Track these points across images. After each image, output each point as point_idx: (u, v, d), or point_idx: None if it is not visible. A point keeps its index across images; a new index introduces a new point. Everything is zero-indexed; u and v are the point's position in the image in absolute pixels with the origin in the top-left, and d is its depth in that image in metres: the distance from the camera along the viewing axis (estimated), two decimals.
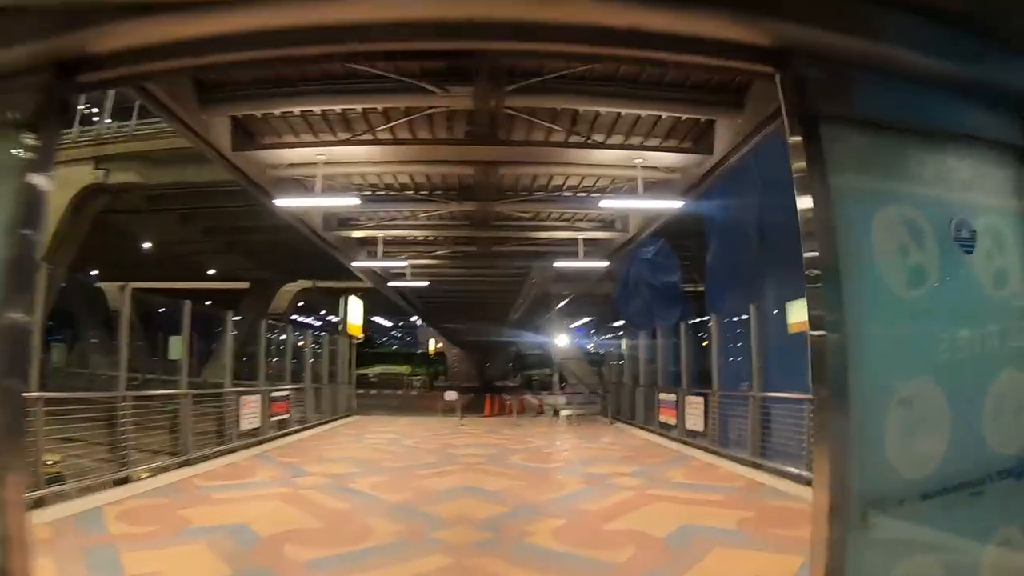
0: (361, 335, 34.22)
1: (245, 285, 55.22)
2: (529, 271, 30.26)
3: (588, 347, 55.78)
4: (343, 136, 15.53)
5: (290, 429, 21.93)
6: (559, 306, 34.61)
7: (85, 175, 29.76)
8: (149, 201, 34.16)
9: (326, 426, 25.06)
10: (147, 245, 42.46)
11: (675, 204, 16.93)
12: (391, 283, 32.98)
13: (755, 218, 19.67)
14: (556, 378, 36.00)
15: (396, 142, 15.81)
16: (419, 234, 24.67)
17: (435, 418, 29.37)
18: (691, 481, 13.96)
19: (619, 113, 14.65)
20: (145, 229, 39.59)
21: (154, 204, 34.34)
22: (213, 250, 44.74)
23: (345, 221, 23.17)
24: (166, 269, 49.63)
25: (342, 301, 32.27)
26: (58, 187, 28.59)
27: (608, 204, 16.90)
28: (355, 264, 25.60)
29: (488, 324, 58.44)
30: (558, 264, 24.41)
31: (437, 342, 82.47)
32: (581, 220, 23.40)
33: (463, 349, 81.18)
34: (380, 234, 23.77)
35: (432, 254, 28.45)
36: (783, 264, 16.55)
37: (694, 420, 19.19)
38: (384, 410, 34.78)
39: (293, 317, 66.33)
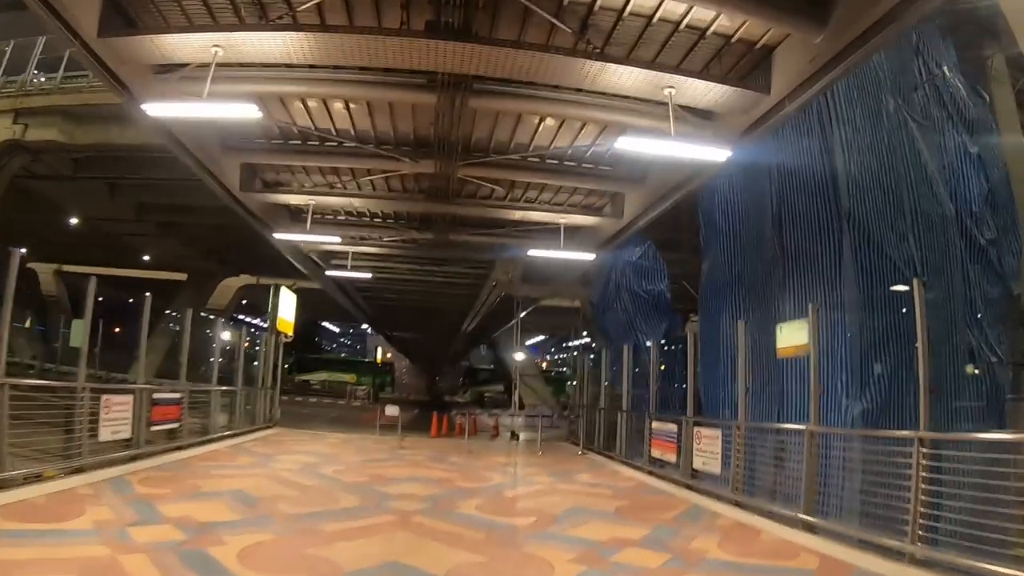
0: (291, 333, 28.32)
1: (182, 276, 49.78)
2: (492, 267, 25.53)
3: (550, 364, 50.35)
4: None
5: (183, 442, 16.35)
6: (521, 314, 29.04)
7: (2, 131, 26.70)
8: (74, 166, 30.46)
9: (234, 440, 19.40)
10: (74, 221, 38.07)
11: (719, 154, 11.49)
12: (330, 272, 27.71)
13: (770, 215, 15.52)
14: (515, 397, 30.10)
15: (323, 28, 10.75)
16: (360, 203, 19.60)
17: (373, 436, 23.73)
18: (739, 559, 8.85)
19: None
20: (70, 200, 35.45)
21: (79, 169, 30.54)
22: (146, 232, 40.03)
23: (273, 184, 18.62)
24: (96, 250, 45.24)
25: (271, 292, 26.69)
26: None
27: (627, 145, 11.13)
28: (278, 236, 20.17)
29: (439, 335, 53.29)
30: (534, 252, 19.50)
31: (386, 352, 77.07)
32: (566, 201, 18.94)
33: (413, 361, 76.00)
34: (313, 200, 18.66)
35: (378, 240, 23.64)
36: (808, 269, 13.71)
37: (705, 459, 14.09)
38: (318, 422, 29.34)
39: (240, 316, 61.12)
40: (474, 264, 27.02)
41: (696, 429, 14.70)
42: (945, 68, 14.62)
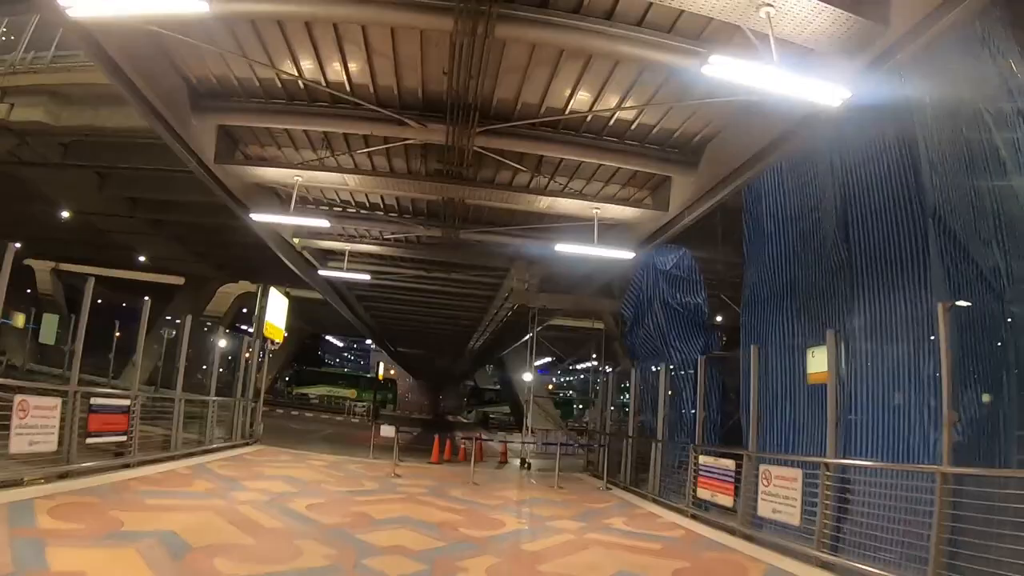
0: (281, 338, 25.16)
1: (180, 280, 47.23)
2: (506, 275, 23.17)
3: (555, 387, 46.92)
4: None
5: (132, 459, 13.27)
6: (537, 328, 25.74)
7: None
8: (63, 152, 28.56)
9: (201, 459, 16.15)
10: (65, 214, 36.06)
11: (833, 95, 8.23)
12: (324, 272, 24.70)
13: (833, 216, 12.51)
14: (528, 420, 26.60)
15: None
16: (356, 181, 16.63)
17: (365, 459, 20.45)
18: None
19: None
20: (60, 191, 33.52)
21: (68, 156, 28.66)
22: (139, 229, 37.58)
23: (256, 159, 16.31)
24: (89, 247, 43.66)
25: (259, 293, 23.59)
26: None
27: (720, 69, 7.84)
28: (256, 217, 17.11)
29: (445, 351, 50.12)
30: (563, 248, 16.14)
31: (388, 368, 73.80)
32: (599, 192, 16.25)
33: (416, 378, 72.72)
34: (300, 175, 16.03)
35: (377, 238, 21.90)
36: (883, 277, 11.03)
37: (777, 505, 10.97)
38: (308, 439, 26.06)
39: (240, 326, 58.19)
40: (486, 271, 24.22)
41: (763, 468, 11.54)
42: (1011, 61, 11.69)
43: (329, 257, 24.51)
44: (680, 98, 11.31)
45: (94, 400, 12.24)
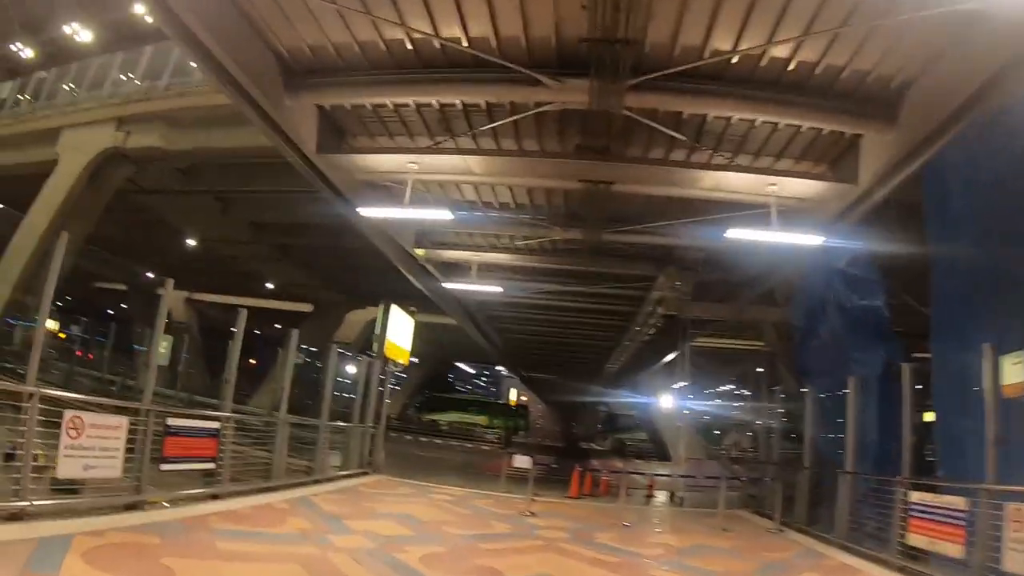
0: (406, 360, 23.11)
1: (308, 307, 46.77)
2: (653, 284, 20.40)
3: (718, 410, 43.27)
4: None
5: (222, 489, 11.20)
6: (685, 346, 22.71)
7: (105, 137, 26.21)
8: (183, 179, 29.06)
9: (307, 490, 13.94)
10: (191, 242, 36.35)
11: None
12: (451, 285, 22.50)
13: None
14: (681, 450, 23.40)
15: None
16: (481, 166, 14.27)
17: (496, 492, 17.88)
18: None
19: None
20: (183, 218, 33.93)
21: (188, 182, 29.17)
22: (266, 255, 37.61)
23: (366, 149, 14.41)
24: (217, 275, 44.00)
25: (380, 310, 21.62)
26: (74, 151, 27.12)
27: None
28: (365, 212, 14.97)
29: (579, 375, 47.31)
30: (734, 234, 13.15)
31: (520, 394, 71.61)
32: (771, 165, 13.52)
33: (548, 404, 70.16)
34: (415, 161, 13.98)
35: (508, 244, 20.09)
36: None
37: None
38: (435, 469, 23.67)
39: (369, 352, 57.46)
40: (629, 283, 21.49)
41: (1013, 507, 8.53)
42: None
43: (456, 271, 22.52)
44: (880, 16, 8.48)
45: (172, 421, 10.30)
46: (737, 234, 13.08)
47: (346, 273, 38.80)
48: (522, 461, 17.10)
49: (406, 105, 12.41)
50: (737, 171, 12.92)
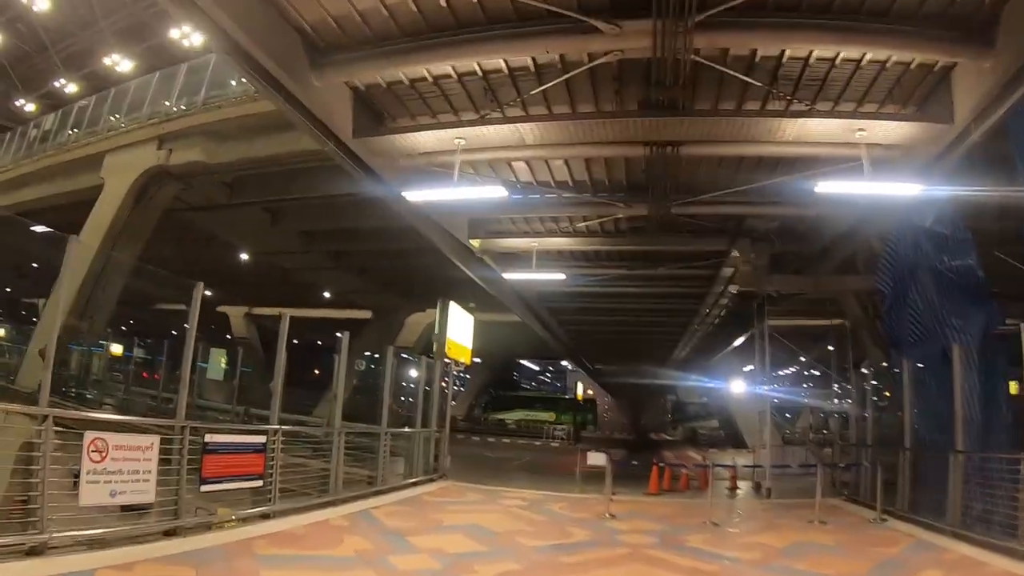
0: (468, 359, 22.09)
1: (367, 314, 46.10)
2: (724, 260, 19.31)
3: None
4: None
5: (274, 507, 10.27)
6: (763, 324, 21.09)
7: (148, 157, 25.97)
8: (229, 192, 28.35)
9: (369, 502, 12.91)
10: (244, 256, 36.08)
11: None
12: (510, 275, 21.35)
13: None
14: (765, 436, 21.61)
15: None
16: (534, 135, 12.98)
17: (571, 492, 16.78)
18: None
19: None
20: (233, 232, 33.63)
21: (235, 195, 28.39)
22: (320, 264, 36.66)
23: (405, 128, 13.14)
24: (274, 288, 43.58)
25: (438, 309, 20.61)
26: (117, 173, 27.11)
27: None
28: (412, 196, 13.75)
29: (645, 363, 45.73)
30: (825, 187, 11.83)
31: (587, 387, 70.12)
32: (854, 109, 11.73)
33: (612, 395, 68.57)
34: (461, 136, 12.92)
35: (567, 228, 18.79)
36: None
37: None
38: (503, 470, 22.71)
39: (430, 355, 56.80)
40: (698, 262, 20.19)
41: None
42: None
43: (514, 261, 21.33)
44: None
45: (211, 438, 9.37)
46: (828, 188, 11.61)
47: (402, 276, 37.97)
48: (597, 458, 15.80)
49: (447, 76, 11.31)
50: (820, 117, 11.41)
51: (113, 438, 7.82)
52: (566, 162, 14.70)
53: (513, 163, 14.87)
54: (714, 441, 51.13)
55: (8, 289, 49.04)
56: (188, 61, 27.06)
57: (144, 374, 34.00)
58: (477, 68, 10.98)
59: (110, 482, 7.71)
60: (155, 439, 8.32)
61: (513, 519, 12.55)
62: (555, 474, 21.42)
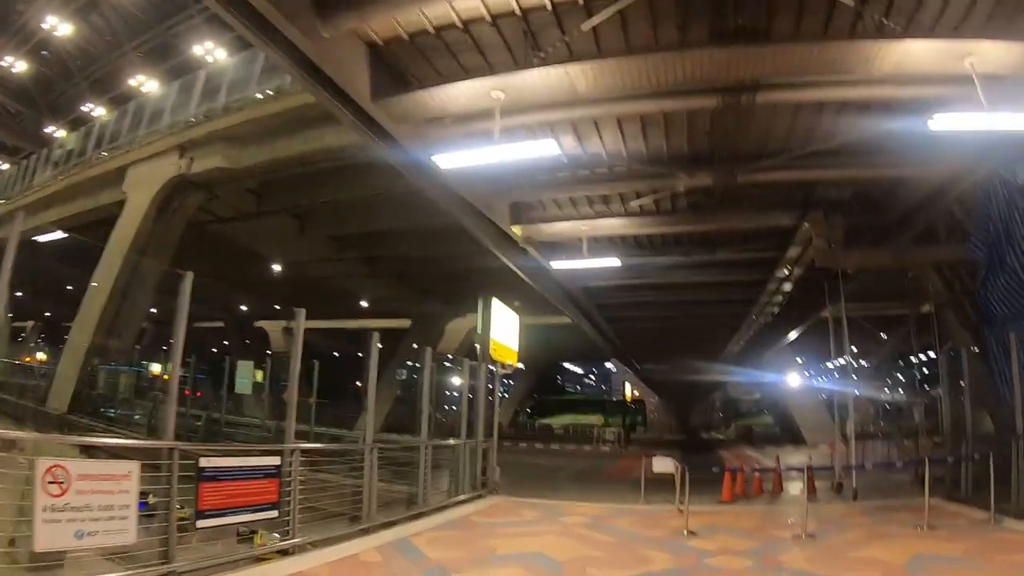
0: (514, 360, 20.17)
1: (406, 323, 45.02)
2: (792, 237, 17.36)
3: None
4: None
5: (295, 540, 8.52)
6: (839, 304, 18.91)
7: (169, 167, 25.28)
8: (254, 200, 27.88)
9: (408, 526, 11.10)
10: (276, 268, 35.40)
11: None
12: (555, 263, 19.65)
13: None
14: (849, 430, 19.44)
15: None
16: (586, 83, 10.94)
17: (635, 503, 14.79)
18: None
19: None
20: (262, 242, 32.98)
21: (263, 204, 27.90)
22: (354, 271, 35.87)
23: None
24: (311, 300, 40.53)
25: (480, 307, 18.84)
26: (139, 186, 26.60)
27: None
28: (440, 160, 11.67)
29: (696, 360, 43.80)
30: (939, 122, 9.58)
31: (634, 388, 68.09)
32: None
33: (660, 395, 66.42)
34: (499, 86, 11.06)
35: (619, 210, 17.04)
36: None
37: None
38: (556, 480, 21.05)
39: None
40: (763, 240, 18.37)
41: None
42: None
43: (560, 251, 19.77)
44: None
45: (207, 462, 7.59)
46: (944, 123, 9.41)
47: (441, 281, 36.88)
48: (663, 464, 13.88)
49: (479, 19, 9.67)
50: (922, 38, 9.36)
51: (76, 466, 6.22)
52: (619, 125, 12.82)
53: (559, 128, 12.92)
54: (769, 438, 48.79)
55: (48, 314, 49.34)
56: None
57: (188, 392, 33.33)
58: (515, 4, 9.28)
59: (75, 521, 6.13)
60: (135, 466, 6.65)
61: (578, 542, 10.54)
62: (613, 481, 19.53)
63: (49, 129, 40.97)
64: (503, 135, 11.03)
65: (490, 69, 10.86)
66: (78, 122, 38.57)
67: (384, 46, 10.53)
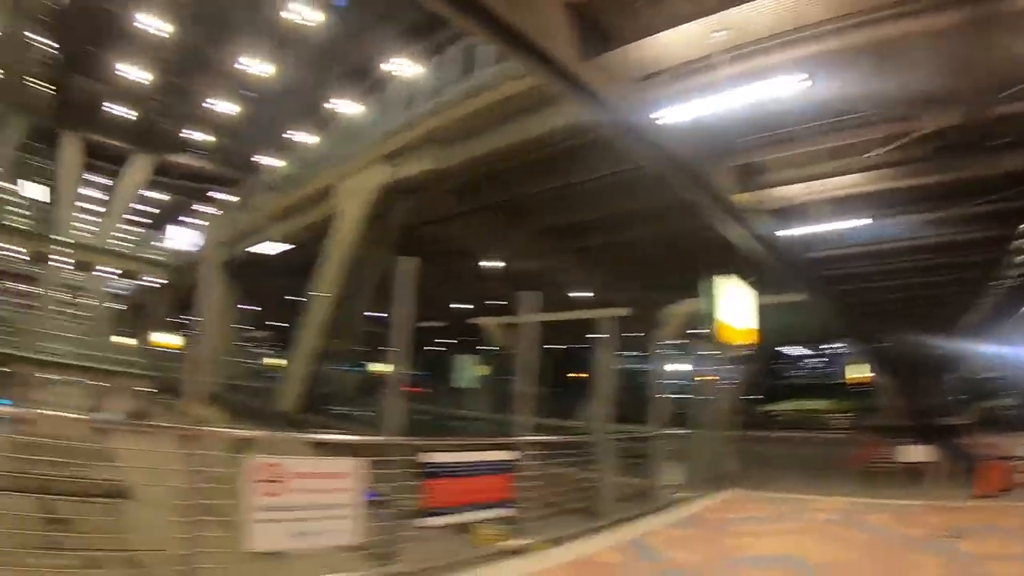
0: (750, 341, 18.65)
1: (623, 311, 44.09)
2: None
3: None
4: None
5: (526, 540, 8.15)
6: None
7: (378, 176, 26.50)
8: (456, 199, 28.30)
9: (643, 523, 10.44)
10: (485, 264, 36.74)
11: None
12: (786, 232, 18.38)
13: None
14: None
15: None
16: (821, 45, 10.17)
17: (882, 497, 13.32)
18: None
19: None
20: (471, 242, 33.79)
21: (463, 201, 28.40)
22: (565, 263, 36.21)
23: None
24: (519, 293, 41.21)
25: (709, 285, 17.73)
26: (349, 198, 27.92)
27: None
28: (660, 115, 11.39)
29: (928, 335, 39.59)
30: None
31: (857, 369, 63.94)
32: None
33: (889, 375, 61.70)
34: (721, 23, 10.27)
35: (857, 157, 14.75)
36: None
37: None
38: (791, 470, 19.79)
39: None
40: (1013, 187, 15.70)
41: None
42: None
43: (787, 216, 18.24)
44: None
45: (428, 458, 7.34)
46: None
47: (653, 265, 35.87)
48: (914, 452, 12.45)
49: None
50: None
51: (296, 464, 6.17)
52: (855, 58, 11.20)
53: (784, 70, 10.88)
54: (1013, 422, 44.01)
55: (286, 325, 53.36)
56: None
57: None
58: None
59: (292, 520, 6.06)
60: (352, 463, 6.51)
61: (831, 542, 9.48)
62: (848, 471, 17.99)
63: (255, 157, 44.61)
64: (726, 82, 10.19)
65: (703, 8, 9.83)
66: (283, 148, 41.94)
67: (586, 3, 9.98)
